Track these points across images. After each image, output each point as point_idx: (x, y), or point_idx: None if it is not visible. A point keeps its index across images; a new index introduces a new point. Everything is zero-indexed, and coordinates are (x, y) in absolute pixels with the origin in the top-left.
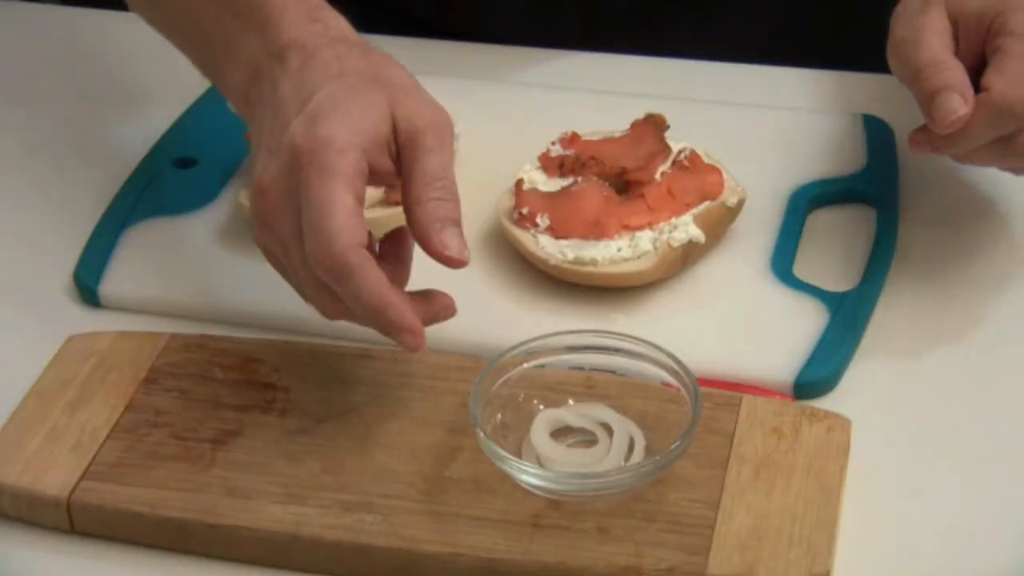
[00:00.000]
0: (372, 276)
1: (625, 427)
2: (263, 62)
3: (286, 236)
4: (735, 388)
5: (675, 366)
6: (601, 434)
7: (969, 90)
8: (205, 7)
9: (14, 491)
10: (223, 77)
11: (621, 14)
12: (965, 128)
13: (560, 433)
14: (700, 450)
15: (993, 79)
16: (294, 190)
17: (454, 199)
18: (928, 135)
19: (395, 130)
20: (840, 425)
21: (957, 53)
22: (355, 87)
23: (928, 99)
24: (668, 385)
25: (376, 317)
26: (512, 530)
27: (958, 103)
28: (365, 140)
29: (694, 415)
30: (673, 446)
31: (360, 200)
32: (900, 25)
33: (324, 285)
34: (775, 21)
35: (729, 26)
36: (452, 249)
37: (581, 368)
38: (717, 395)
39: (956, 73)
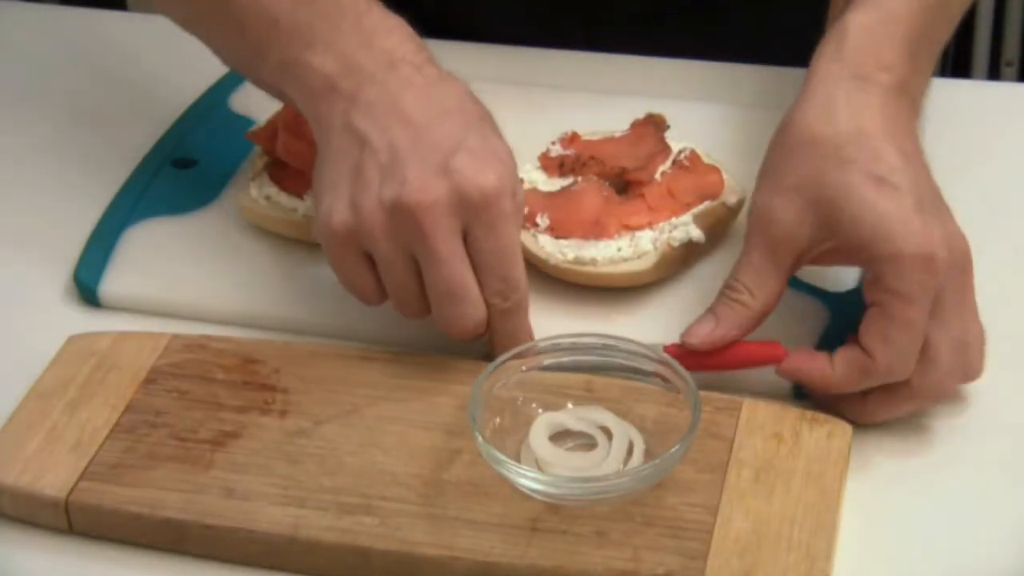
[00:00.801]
0: (528, 319)
1: (624, 431)
2: (366, 63)
3: (429, 248)
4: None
5: (675, 370)
6: (600, 438)
7: (741, 322)
8: (272, 4)
9: (13, 491)
10: (298, 64)
11: (621, 14)
12: (836, 383)
13: (559, 436)
14: (699, 454)
15: (877, 347)
16: (458, 215)
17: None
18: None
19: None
20: (840, 430)
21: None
22: (488, 135)
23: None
24: (668, 389)
25: (510, 347)
26: (510, 534)
27: (703, 331)
28: (518, 188)
29: (693, 419)
30: (672, 450)
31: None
32: (758, 188)
33: (422, 294)
34: (775, 21)
35: (729, 26)
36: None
37: (580, 371)
38: (717, 399)
39: (741, 309)
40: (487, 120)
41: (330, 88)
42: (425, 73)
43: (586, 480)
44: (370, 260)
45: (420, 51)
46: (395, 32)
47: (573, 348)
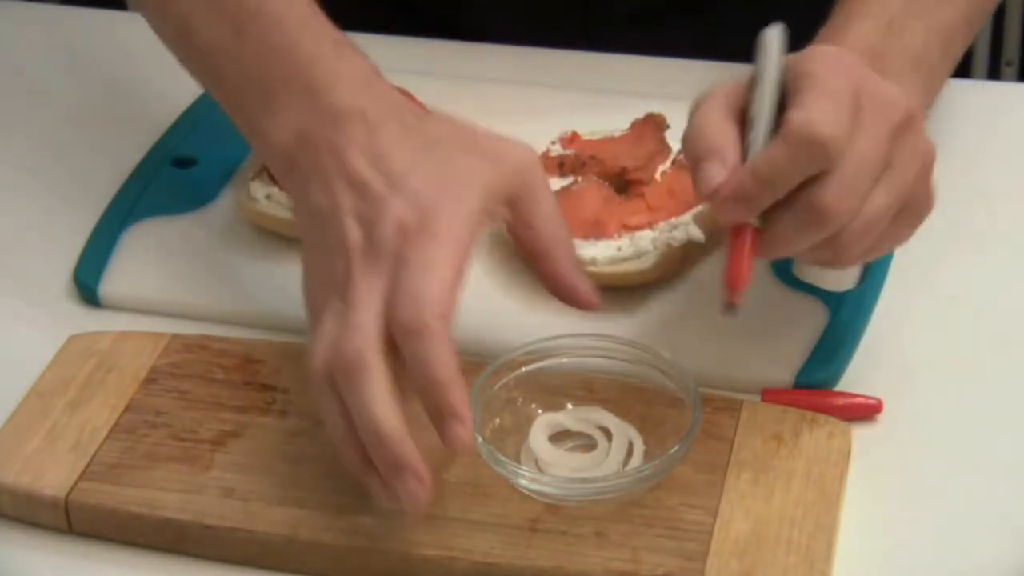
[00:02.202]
0: (447, 349)
1: (624, 431)
2: (314, 128)
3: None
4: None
5: (675, 371)
6: (600, 438)
7: (732, 153)
8: (240, 54)
9: (13, 491)
10: (261, 132)
11: (621, 14)
12: (770, 174)
13: (559, 437)
14: (699, 455)
15: (790, 114)
16: (395, 263)
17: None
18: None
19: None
20: (840, 431)
21: None
22: (446, 158)
23: (693, 169)
24: (668, 389)
25: (436, 391)
26: (509, 534)
27: (716, 169)
28: (474, 209)
29: (693, 419)
30: (672, 451)
31: (460, 276)
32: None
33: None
34: (774, 22)
35: (729, 26)
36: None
37: (580, 371)
38: (717, 399)
39: (720, 137)
40: (444, 153)
41: (289, 167)
42: (369, 124)
43: (585, 481)
44: None
45: (366, 93)
46: (342, 83)
47: (573, 348)
